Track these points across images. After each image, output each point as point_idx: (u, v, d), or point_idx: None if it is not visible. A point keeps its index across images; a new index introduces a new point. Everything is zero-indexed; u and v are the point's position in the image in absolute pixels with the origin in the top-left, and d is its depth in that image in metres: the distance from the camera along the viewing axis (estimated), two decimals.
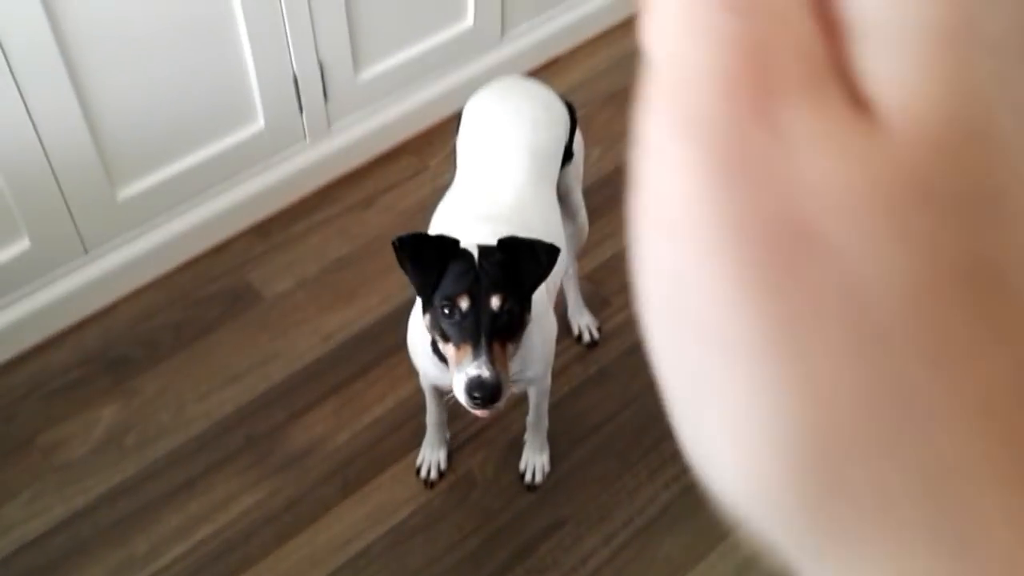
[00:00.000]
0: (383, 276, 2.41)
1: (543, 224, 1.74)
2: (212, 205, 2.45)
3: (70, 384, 2.22)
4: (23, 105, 1.98)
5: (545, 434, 2.07)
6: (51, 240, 2.20)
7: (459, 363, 1.45)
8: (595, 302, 2.35)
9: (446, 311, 1.45)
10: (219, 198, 2.46)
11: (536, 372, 1.79)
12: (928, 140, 0.20)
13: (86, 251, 2.28)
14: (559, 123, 1.89)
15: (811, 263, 0.20)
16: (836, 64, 0.21)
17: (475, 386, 1.42)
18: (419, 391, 2.16)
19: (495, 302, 1.44)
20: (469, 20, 2.75)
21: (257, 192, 2.51)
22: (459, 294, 1.44)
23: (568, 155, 1.90)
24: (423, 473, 2.08)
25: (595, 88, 2.94)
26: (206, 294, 2.40)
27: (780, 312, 0.20)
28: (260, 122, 2.43)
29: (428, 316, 1.50)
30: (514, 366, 1.61)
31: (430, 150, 2.76)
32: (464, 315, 1.43)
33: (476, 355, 1.42)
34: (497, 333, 1.44)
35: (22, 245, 2.17)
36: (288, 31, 2.32)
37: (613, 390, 2.19)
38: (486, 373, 1.41)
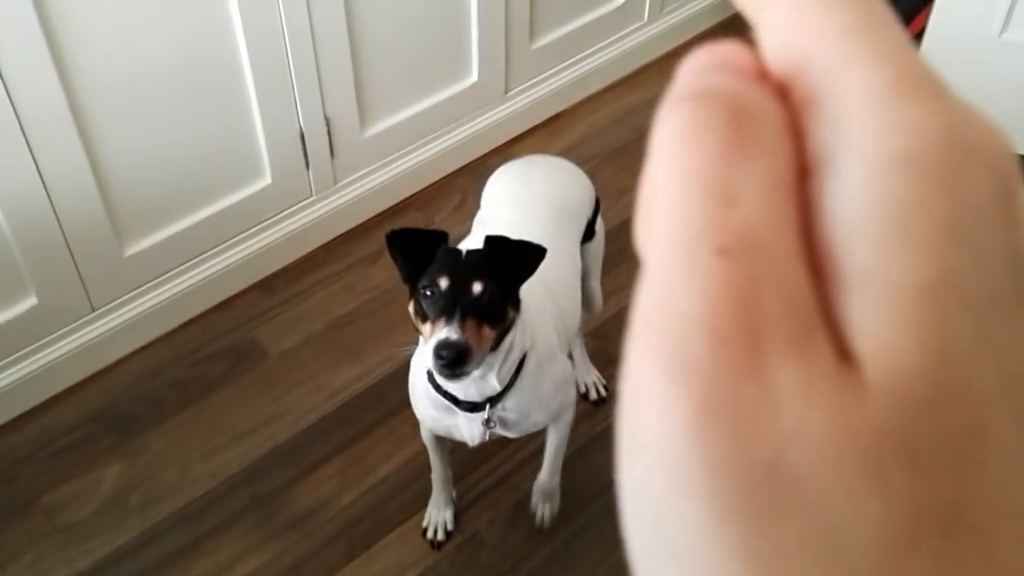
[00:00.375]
0: (389, 332, 2.41)
1: (555, 275, 1.74)
2: (218, 261, 2.45)
3: (74, 443, 2.20)
4: (33, 162, 1.98)
5: (557, 484, 2.04)
6: (58, 297, 2.20)
7: (432, 333, 1.44)
8: (602, 359, 2.34)
9: (427, 292, 1.45)
10: (225, 254, 2.46)
11: (550, 414, 1.77)
12: (907, 397, 0.20)
13: (93, 308, 2.27)
14: (583, 187, 1.94)
15: (790, 506, 0.20)
16: (823, 311, 0.21)
17: (442, 345, 1.40)
18: (425, 449, 2.16)
19: (476, 286, 1.44)
20: (474, 76, 2.76)
21: (263, 248, 2.51)
22: (440, 275, 1.45)
23: (590, 232, 1.91)
24: (430, 534, 2.07)
25: (598, 143, 2.95)
26: (211, 351, 2.39)
27: (756, 548, 0.20)
28: (267, 178, 2.43)
29: (412, 304, 1.50)
30: (521, 404, 1.66)
31: (436, 205, 2.76)
32: (443, 294, 1.44)
33: (448, 323, 1.42)
34: (472, 311, 1.44)
35: (29, 302, 2.16)
36: (295, 88, 2.33)
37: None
38: (454, 336, 1.40)
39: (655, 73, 3.25)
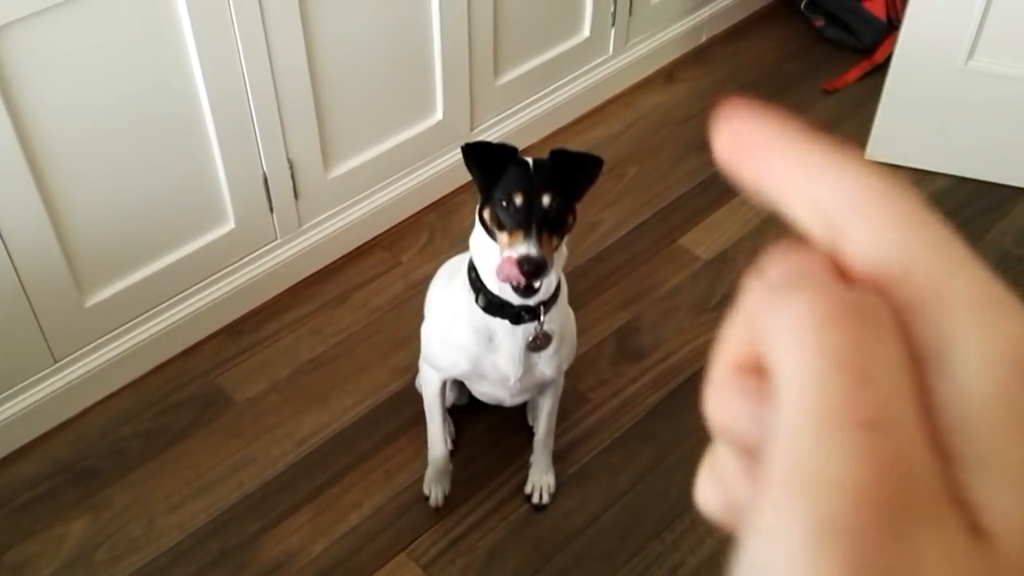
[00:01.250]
0: (357, 377, 2.38)
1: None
2: (183, 308, 2.42)
3: (38, 497, 2.16)
4: None
5: (551, 453, 2.15)
6: (18, 350, 2.16)
7: (511, 245, 1.58)
8: (573, 398, 2.32)
9: (504, 203, 1.60)
10: (190, 300, 2.43)
11: (558, 363, 1.89)
12: None
13: (55, 360, 2.23)
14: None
15: None
16: (948, 486, 0.24)
17: (525, 260, 1.55)
18: (396, 494, 2.13)
19: (545, 199, 1.60)
20: (439, 114, 2.75)
21: (228, 293, 2.48)
22: (515, 190, 1.60)
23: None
24: (432, 501, 2.13)
25: None
26: (177, 400, 2.36)
27: None
28: (231, 223, 2.40)
29: (488, 210, 1.65)
30: (557, 323, 1.80)
31: (403, 244, 2.74)
32: (518, 208, 1.59)
33: (527, 237, 1.57)
34: (545, 224, 1.59)
35: None
36: (257, 132, 2.31)
37: (594, 491, 2.16)
38: (534, 252, 1.56)
39: (622, 106, 3.25)
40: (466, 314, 1.77)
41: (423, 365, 2.00)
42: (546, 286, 1.69)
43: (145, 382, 2.39)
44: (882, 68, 3.13)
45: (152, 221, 2.26)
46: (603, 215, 2.83)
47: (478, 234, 1.72)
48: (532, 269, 1.56)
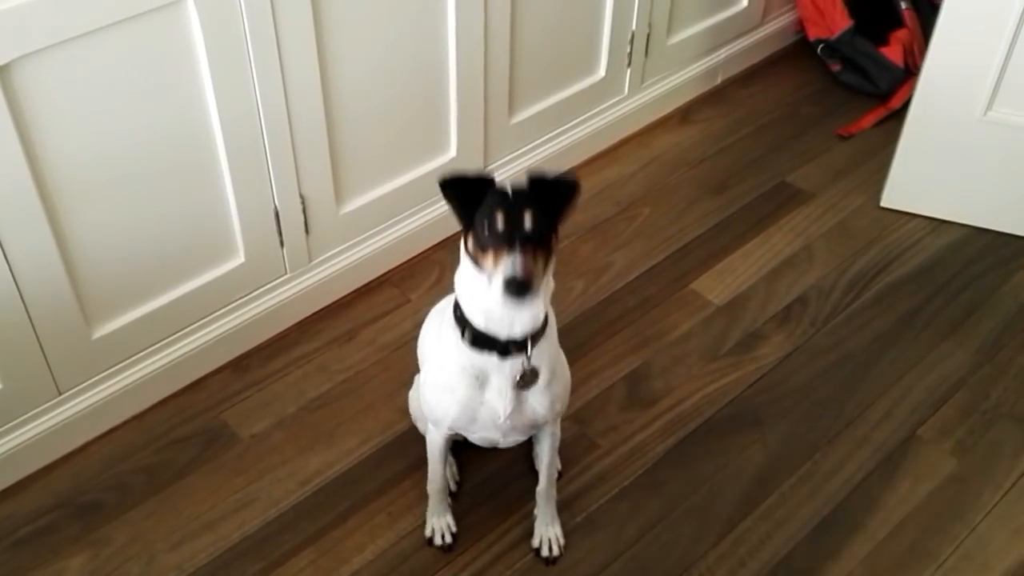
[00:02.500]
0: (363, 416, 2.36)
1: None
2: (190, 341, 2.40)
3: (38, 532, 2.13)
4: None
5: (555, 504, 2.12)
6: (23, 381, 2.14)
7: (496, 266, 1.56)
8: (581, 444, 2.29)
9: (486, 226, 1.57)
10: (197, 334, 2.41)
11: (551, 402, 1.85)
12: None
13: (59, 392, 2.21)
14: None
15: None
16: None
17: (510, 280, 1.53)
18: (400, 539, 2.11)
19: (527, 217, 1.56)
20: (452, 151, 2.73)
21: (235, 328, 2.46)
22: (496, 210, 1.57)
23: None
24: (437, 541, 2.12)
25: (577, 219, 2.92)
26: (180, 435, 2.33)
27: None
28: (240, 257, 2.38)
29: (471, 238, 1.62)
30: (544, 360, 1.77)
31: (413, 281, 2.72)
32: (501, 228, 1.56)
33: (511, 254, 1.54)
34: (528, 240, 1.56)
35: None
36: (271, 167, 2.29)
37: (602, 540, 2.12)
38: (519, 260, 1.53)
39: (635, 147, 3.23)
40: (455, 355, 1.75)
41: (429, 425, 1.98)
42: (532, 318, 1.69)
43: (149, 416, 2.37)
44: (899, 115, 3.11)
45: (162, 254, 2.24)
46: (614, 257, 2.81)
47: (463, 270, 1.70)
48: (523, 274, 1.54)
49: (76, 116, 1.93)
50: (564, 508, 2.16)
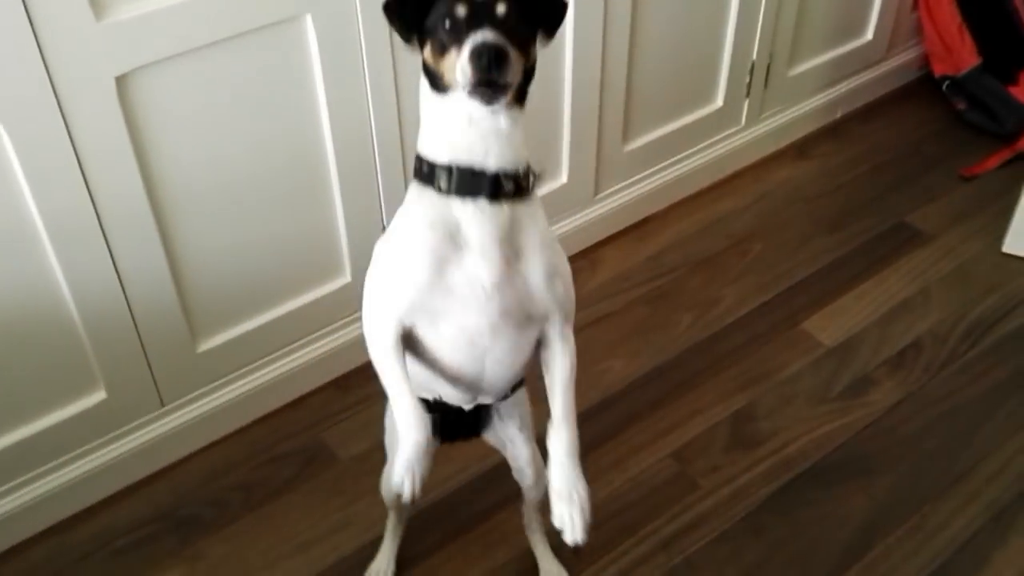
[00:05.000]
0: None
1: None
2: (293, 359, 2.40)
3: (135, 543, 2.15)
4: (110, 258, 1.95)
5: (577, 460, 1.46)
6: (128, 392, 2.15)
7: (460, 49, 1.19)
8: (681, 483, 2.24)
9: (445, 24, 1.22)
10: (300, 351, 2.41)
11: (558, 295, 1.39)
12: None
13: (162, 404, 2.23)
14: None
15: None
16: None
17: (479, 49, 1.17)
18: (494, 569, 2.07)
19: (499, 7, 1.21)
20: (563, 178, 2.71)
21: (339, 347, 2.45)
22: (457, 3, 1.22)
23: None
24: (406, 492, 1.46)
25: (686, 251, 2.88)
26: (280, 452, 2.33)
27: None
28: (347, 276, 2.38)
29: (427, 47, 1.26)
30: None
31: None
32: (465, 17, 1.21)
33: (479, 28, 1.19)
34: (501, 26, 1.20)
35: (98, 396, 2.12)
36: (381, 186, 2.29)
37: None
38: (490, 36, 1.18)
39: (750, 180, 3.18)
40: (420, 211, 1.32)
41: (368, 329, 1.45)
42: (510, 146, 1.29)
43: (250, 432, 2.38)
44: (1022, 158, 3.02)
45: (269, 271, 2.24)
46: (724, 291, 2.75)
47: (425, 96, 1.30)
48: (490, 58, 1.16)
49: (190, 129, 1.95)
50: (662, 549, 2.11)
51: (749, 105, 3.11)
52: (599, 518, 2.16)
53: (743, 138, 3.17)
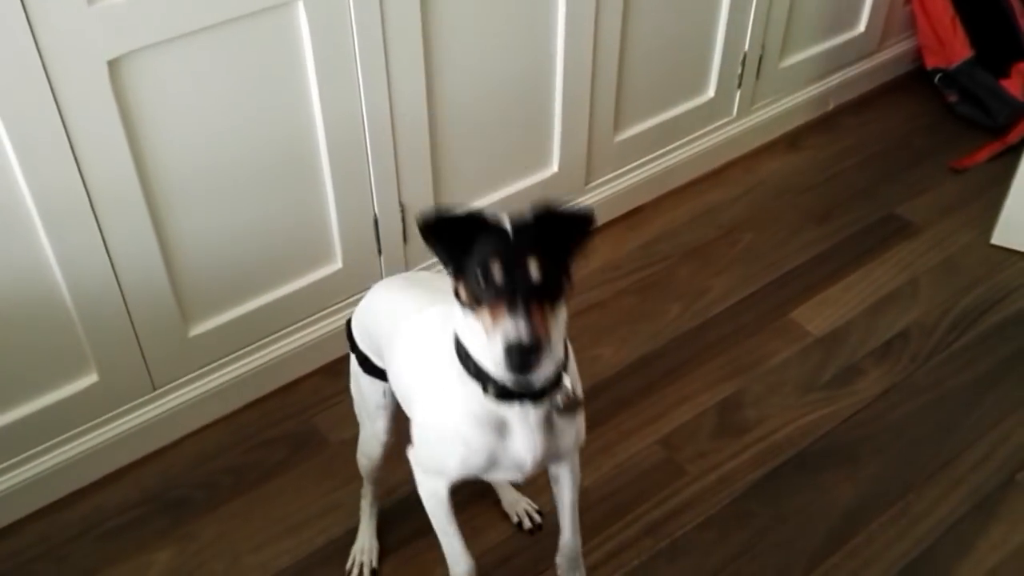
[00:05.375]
0: None
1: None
2: (284, 344, 2.42)
3: (126, 525, 2.17)
4: (102, 242, 1.97)
5: (580, 547, 1.83)
6: (120, 376, 2.17)
7: (494, 324, 1.28)
8: (668, 469, 2.26)
9: (480, 277, 1.28)
10: (292, 337, 2.43)
11: (575, 435, 1.57)
12: None
13: (154, 387, 2.24)
14: None
15: None
16: None
17: (512, 349, 1.25)
18: (484, 552, 2.08)
19: (532, 265, 1.27)
20: (554, 167, 2.72)
21: (329, 333, 2.47)
22: (492, 259, 1.28)
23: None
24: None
25: (677, 241, 2.90)
26: (270, 436, 2.35)
27: None
28: (338, 263, 2.40)
29: (461, 287, 1.33)
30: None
31: None
32: (499, 280, 1.27)
33: (513, 315, 1.26)
34: (534, 294, 1.27)
35: (90, 379, 2.14)
36: (372, 173, 2.30)
37: (685, 567, 2.09)
38: (523, 333, 1.25)
39: (741, 170, 3.19)
40: (465, 407, 1.45)
41: (420, 477, 1.67)
42: (552, 362, 1.40)
43: (241, 416, 2.39)
44: (1016, 150, 3.03)
45: (261, 256, 2.26)
46: (713, 281, 2.77)
47: (459, 312, 1.40)
48: (523, 359, 1.26)
49: (182, 114, 1.96)
50: (649, 533, 2.13)
51: (741, 96, 3.12)
52: (588, 502, 2.19)
53: (734, 129, 3.18)
